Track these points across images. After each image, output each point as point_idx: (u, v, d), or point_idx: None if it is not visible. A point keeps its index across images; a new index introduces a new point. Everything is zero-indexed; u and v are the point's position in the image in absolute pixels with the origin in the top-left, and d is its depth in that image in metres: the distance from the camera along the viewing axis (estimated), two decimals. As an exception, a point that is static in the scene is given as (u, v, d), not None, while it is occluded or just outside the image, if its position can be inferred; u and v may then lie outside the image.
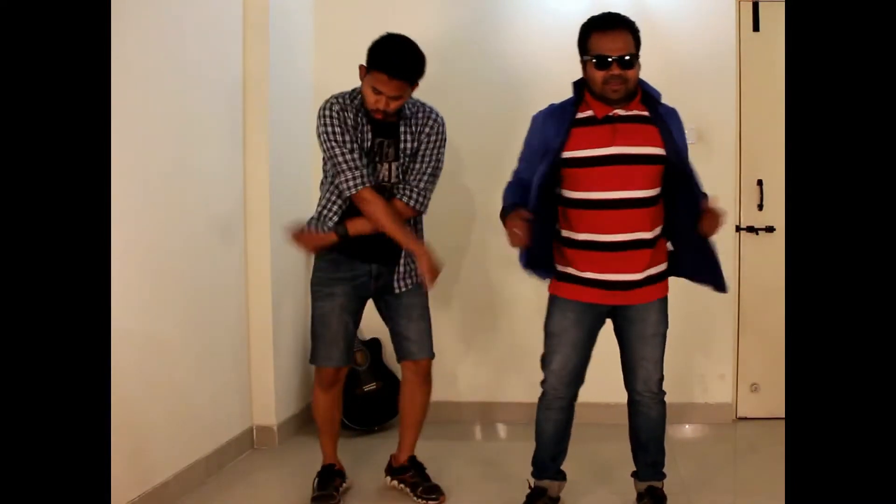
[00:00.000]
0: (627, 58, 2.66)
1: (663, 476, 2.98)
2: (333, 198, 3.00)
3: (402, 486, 3.22)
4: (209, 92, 3.45)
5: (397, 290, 3.05)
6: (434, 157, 3.04)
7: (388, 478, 3.27)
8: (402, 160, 3.01)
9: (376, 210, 2.92)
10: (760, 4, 4.03)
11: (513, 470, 3.24)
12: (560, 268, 2.83)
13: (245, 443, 3.76)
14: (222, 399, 3.58)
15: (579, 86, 2.79)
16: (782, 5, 3.71)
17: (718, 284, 2.85)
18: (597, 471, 3.42)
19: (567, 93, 2.82)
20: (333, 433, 3.23)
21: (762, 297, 4.07)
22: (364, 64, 2.90)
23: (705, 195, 2.86)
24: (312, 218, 3.08)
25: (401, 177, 3.02)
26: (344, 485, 3.23)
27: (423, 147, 3.02)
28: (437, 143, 3.04)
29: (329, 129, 2.89)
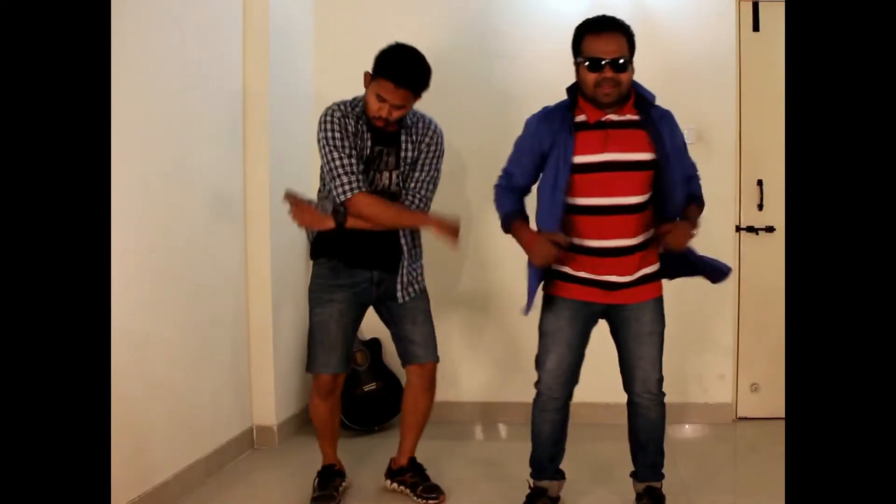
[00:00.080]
0: (621, 61, 2.64)
1: (662, 476, 2.98)
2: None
3: (401, 487, 3.22)
4: (209, 92, 3.46)
5: (401, 300, 3.06)
6: (434, 167, 3.06)
7: (388, 481, 3.27)
8: (402, 168, 3.01)
9: (374, 207, 2.91)
10: (760, 4, 4.03)
11: (513, 470, 3.24)
12: (554, 267, 2.83)
13: (245, 443, 3.77)
14: (222, 399, 3.58)
15: (573, 90, 2.78)
16: (782, 5, 3.71)
17: (717, 276, 2.86)
18: (596, 471, 3.42)
19: (563, 87, 2.82)
20: (333, 436, 3.23)
21: (762, 297, 4.07)
22: (369, 71, 2.92)
23: (700, 203, 2.86)
24: (313, 202, 3.07)
25: (401, 185, 3.03)
26: (343, 484, 3.24)
27: (422, 156, 3.03)
28: (437, 154, 3.06)
29: (329, 134, 2.89)
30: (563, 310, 2.83)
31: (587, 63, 2.66)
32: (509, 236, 2.85)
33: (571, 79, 2.79)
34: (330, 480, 3.17)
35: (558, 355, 2.84)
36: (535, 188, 2.87)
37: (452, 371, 4.18)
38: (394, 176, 3.01)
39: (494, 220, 2.90)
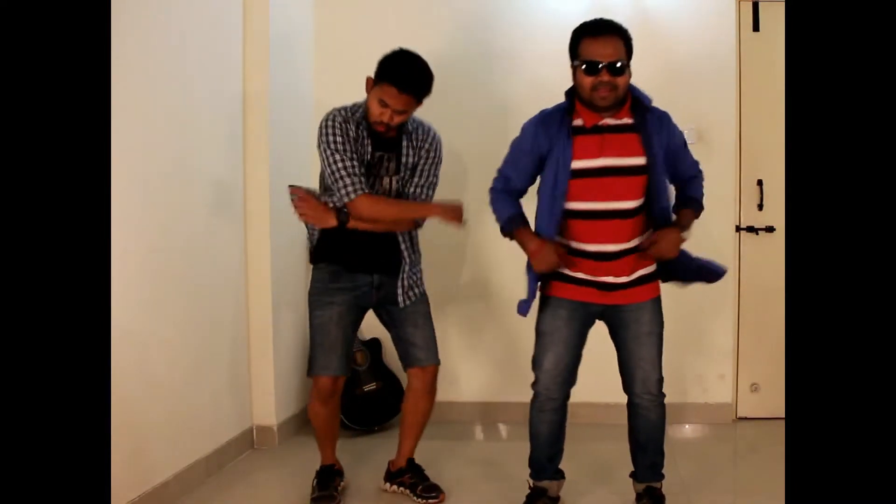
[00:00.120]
0: (618, 65, 2.63)
1: (662, 477, 2.98)
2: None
3: (401, 488, 3.22)
4: (209, 92, 3.45)
5: (402, 305, 3.06)
6: (433, 173, 3.07)
7: (387, 484, 3.27)
8: (402, 174, 3.02)
9: (378, 206, 2.92)
10: (760, 4, 4.03)
11: (513, 470, 3.24)
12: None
13: (245, 443, 3.77)
14: (222, 399, 3.58)
15: (571, 94, 2.77)
16: (782, 5, 3.71)
17: (712, 277, 2.86)
18: (596, 471, 3.42)
19: (563, 86, 2.81)
20: (333, 438, 3.23)
21: (762, 297, 4.07)
22: (371, 76, 2.92)
23: (696, 207, 2.86)
24: (315, 191, 3.06)
25: (401, 190, 3.03)
26: (342, 484, 3.24)
27: (422, 162, 3.04)
28: (436, 160, 3.08)
29: (331, 138, 2.89)
30: (561, 309, 2.83)
31: (584, 66, 2.65)
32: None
33: (571, 78, 2.79)
34: (330, 480, 3.18)
35: (556, 355, 2.84)
36: (532, 189, 2.87)
37: (452, 371, 4.18)
38: (394, 181, 3.01)
39: (494, 220, 2.90)
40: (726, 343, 4.12)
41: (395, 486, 3.24)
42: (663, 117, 2.79)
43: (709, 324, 4.09)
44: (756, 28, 4.04)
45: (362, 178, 2.88)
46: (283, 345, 3.93)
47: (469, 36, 4.16)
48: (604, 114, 2.70)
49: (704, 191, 2.93)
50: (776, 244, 4.01)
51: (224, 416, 3.60)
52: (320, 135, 2.92)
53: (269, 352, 3.82)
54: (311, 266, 3.12)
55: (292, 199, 3.02)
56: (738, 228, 4.09)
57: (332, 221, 2.94)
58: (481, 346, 4.26)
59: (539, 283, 2.86)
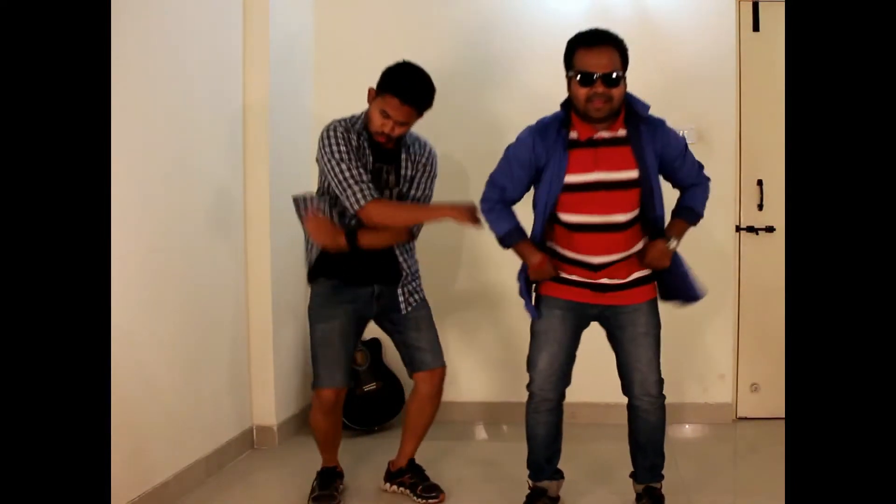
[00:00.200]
0: (613, 76, 2.60)
1: (662, 477, 2.98)
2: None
3: (401, 489, 3.23)
4: (209, 92, 3.46)
5: (405, 311, 3.06)
6: (428, 186, 3.08)
7: (388, 484, 3.27)
8: (401, 186, 3.02)
9: (389, 210, 2.92)
10: (760, 4, 4.03)
11: (513, 470, 3.24)
12: None
13: (245, 443, 3.77)
14: (222, 399, 3.58)
15: (566, 105, 2.75)
16: (782, 5, 3.71)
17: (688, 295, 2.87)
18: (596, 471, 3.42)
19: (564, 92, 2.81)
20: (335, 445, 3.23)
21: (762, 297, 4.07)
22: (373, 87, 2.93)
23: (691, 217, 2.85)
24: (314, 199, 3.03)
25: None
26: (342, 486, 3.24)
27: (419, 174, 3.05)
28: (432, 174, 3.09)
29: (334, 147, 2.87)
30: (556, 309, 2.83)
31: (578, 77, 2.62)
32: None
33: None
34: (331, 481, 3.18)
35: (550, 354, 2.84)
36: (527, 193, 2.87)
37: (452, 371, 4.15)
38: (393, 193, 3.01)
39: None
40: (726, 343, 4.12)
41: (395, 487, 3.24)
42: (657, 126, 2.75)
43: (709, 323, 4.08)
44: (756, 28, 4.04)
45: (370, 185, 2.87)
46: (283, 345, 3.93)
47: (470, 41, 4.14)
48: (598, 126, 2.68)
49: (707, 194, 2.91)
50: (776, 244, 4.01)
51: (224, 416, 3.60)
52: (322, 146, 2.90)
53: (269, 352, 3.82)
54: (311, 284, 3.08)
55: (297, 210, 2.99)
56: (738, 228, 4.09)
57: (342, 242, 2.92)
58: (481, 346, 4.26)
59: (534, 285, 2.87)
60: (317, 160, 2.97)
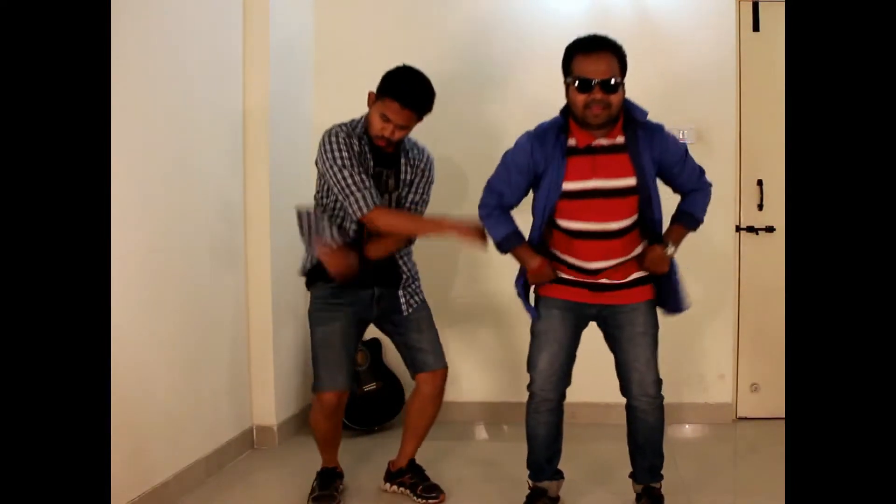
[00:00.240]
0: (612, 82, 2.58)
1: (661, 478, 2.98)
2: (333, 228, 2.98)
3: (401, 489, 3.23)
4: (209, 92, 3.46)
5: (406, 313, 3.07)
6: (426, 191, 3.09)
7: (388, 484, 3.27)
8: (400, 190, 3.03)
9: (393, 219, 2.94)
10: (760, 4, 4.03)
11: (513, 470, 3.24)
12: None
13: (245, 443, 3.77)
14: (222, 399, 3.58)
15: (565, 112, 2.74)
16: (782, 5, 3.71)
17: (672, 305, 2.87)
18: (596, 471, 3.42)
19: (563, 95, 2.80)
20: (335, 446, 3.23)
21: (762, 297, 4.07)
22: (374, 91, 2.93)
23: (690, 223, 2.85)
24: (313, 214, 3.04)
25: (398, 206, 3.04)
26: (342, 486, 3.24)
27: (417, 179, 3.05)
28: (430, 180, 3.10)
29: (336, 153, 2.87)
30: (555, 309, 2.83)
31: (577, 83, 2.61)
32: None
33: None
34: (331, 481, 3.18)
35: (550, 354, 2.84)
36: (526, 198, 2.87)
37: (452, 371, 4.12)
38: (393, 198, 3.02)
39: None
40: (726, 343, 4.12)
41: (395, 487, 3.24)
42: (655, 131, 2.73)
43: (709, 323, 4.09)
44: (756, 28, 4.04)
45: (374, 191, 2.87)
46: (283, 345, 3.93)
47: (469, 42, 4.14)
48: (596, 133, 2.68)
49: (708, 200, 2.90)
50: (776, 244, 4.01)
51: (224, 416, 3.60)
52: (324, 152, 2.89)
53: (269, 352, 3.82)
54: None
55: (300, 224, 2.99)
56: (738, 228, 4.09)
57: (354, 263, 2.89)
58: (481, 347, 4.26)
59: (532, 287, 2.88)
60: (316, 164, 2.97)
